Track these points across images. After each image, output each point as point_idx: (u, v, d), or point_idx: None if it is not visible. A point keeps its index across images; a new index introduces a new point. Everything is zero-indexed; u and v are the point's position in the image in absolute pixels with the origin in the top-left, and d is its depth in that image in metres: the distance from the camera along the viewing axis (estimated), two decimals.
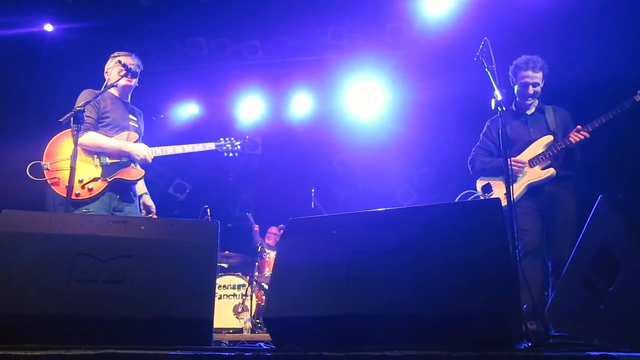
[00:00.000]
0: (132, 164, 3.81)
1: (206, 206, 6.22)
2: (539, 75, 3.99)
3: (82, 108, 3.37)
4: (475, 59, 3.51)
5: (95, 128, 3.72)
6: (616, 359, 1.39)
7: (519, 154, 3.99)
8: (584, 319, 2.01)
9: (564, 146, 3.80)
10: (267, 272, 6.38)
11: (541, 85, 4.03)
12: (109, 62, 4.00)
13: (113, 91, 3.92)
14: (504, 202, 3.43)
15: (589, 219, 2.06)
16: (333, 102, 7.44)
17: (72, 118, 3.31)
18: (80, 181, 3.56)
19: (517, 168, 3.91)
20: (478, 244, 1.77)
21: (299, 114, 7.63)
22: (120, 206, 3.75)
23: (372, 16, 6.38)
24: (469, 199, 4.30)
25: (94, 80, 3.98)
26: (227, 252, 6.74)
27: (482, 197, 4.17)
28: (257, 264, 6.52)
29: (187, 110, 7.65)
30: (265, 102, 7.60)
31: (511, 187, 3.07)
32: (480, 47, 3.49)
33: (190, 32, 6.60)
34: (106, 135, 3.73)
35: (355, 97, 7.29)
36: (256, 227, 7.36)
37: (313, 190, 6.61)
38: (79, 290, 1.92)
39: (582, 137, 3.72)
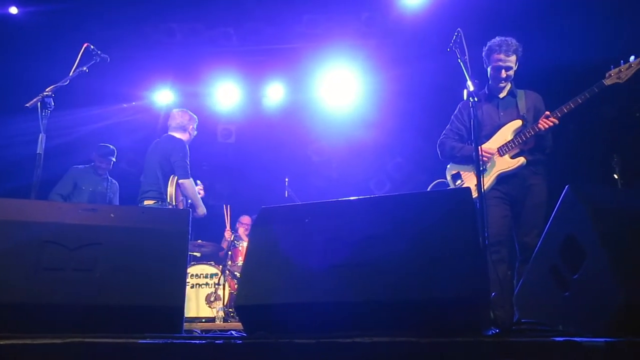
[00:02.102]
0: None
1: None
2: (512, 58, 3.90)
3: (50, 93, 3.29)
4: (448, 49, 3.54)
5: None
6: (579, 344, 1.43)
7: (488, 138, 3.94)
8: (550, 306, 2.06)
9: (533, 133, 3.75)
10: (240, 261, 6.35)
11: (514, 68, 3.94)
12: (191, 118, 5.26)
13: None
14: (474, 194, 3.46)
15: (556, 208, 2.10)
16: (308, 90, 7.41)
17: (39, 103, 3.23)
18: None
19: (486, 158, 3.86)
20: (448, 232, 1.80)
21: (273, 102, 7.59)
22: None
23: (348, 5, 6.37)
24: (439, 182, 4.30)
25: (62, 65, 3.89)
26: (199, 241, 6.68)
27: (452, 187, 4.17)
28: (230, 252, 6.49)
29: (161, 98, 7.52)
30: (239, 89, 7.53)
31: (482, 178, 3.08)
32: (454, 38, 3.52)
33: (162, 17, 6.48)
34: None
35: (330, 85, 7.28)
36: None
37: (287, 179, 6.60)
38: (47, 279, 1.88)
39: (550, 123, 3.66)
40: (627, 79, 3.57)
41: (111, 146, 5.95)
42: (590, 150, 5.60)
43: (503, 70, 3.91)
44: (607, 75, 3.62)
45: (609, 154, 5.30)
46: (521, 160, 3.79)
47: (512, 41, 3.89)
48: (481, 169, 3.66)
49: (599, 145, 5.56)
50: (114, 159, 5.94)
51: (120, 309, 1.90)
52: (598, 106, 5.48)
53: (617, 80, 3.57)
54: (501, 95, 4.04)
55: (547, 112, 3.70)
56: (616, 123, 5.63)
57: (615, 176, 5.24)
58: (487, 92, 4.08)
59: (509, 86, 4.02)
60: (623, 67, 3.58)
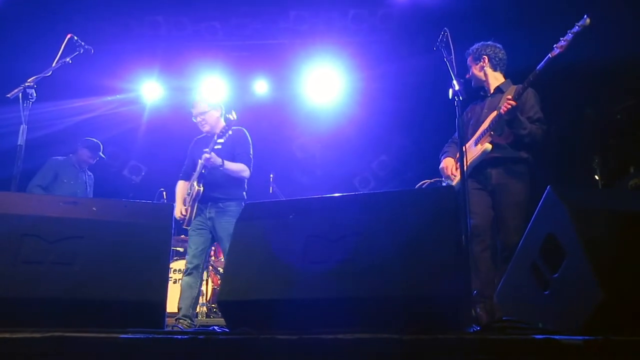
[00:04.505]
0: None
1: (162, 189, 6.11)
2: (469, 60, 4.15)
3: (32, 84, 3.25)
4: (434, 48, 3.56)
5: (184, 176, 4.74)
6: (559, 341, 1.45)
7: (473, 134, 3.97)
8: (530, 304, 2.09)
9: (497, 118, 3.75)
10: (223, 256, 6.33)
11: (472, 68, 4.13)
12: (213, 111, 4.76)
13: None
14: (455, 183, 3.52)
15: (537, 208, 2.13)
16: (293, 86, 7.40)
17: (20, 94, 3.19)
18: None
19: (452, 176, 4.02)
20: (431, 230, 1.81)
21: (258, 98, 7.56)
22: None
23: (335, 2, 6.36)
24: (427, 183, 4.31)
25: (43, 56, 3.83)
26: (182, 236, 6.63)
27: (442, 182, 4.18)
28: (213, 248, 6.46)
29: (146, 91, 7.44)
30: (224, 85, 7.48)
31: (464, 168, 3.11)
32: (440, 37, 3.54)
33: (147, 10, 6.41)
34: None
35: (316, 82, 7.27)
36: None
37: (272, 175, 6.58)
38: (25, 272, 1.85)
39: (509, 105, 3.63)
40: (567, 47, 3.54)
41: (98, 141, 5.91)
42: (572, 152, 5.67)
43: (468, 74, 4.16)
44: (553, 48, 3.61)
45: (590, 155, 5.38)
46: (485, 145, 3.78)
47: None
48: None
49: (580, 147, 5.64)
50: (102, 155, 5.91)
51: (101, 304, 1.88)
52: (579, 108, 5.55)
53: (560, 50, 3.56)
54: (490, 94, 4.09)
55: (509, 96, 3.71)
56: (597, 125, 5.70)
57: (596, 177, 5.32)
58: (481, 93, 4.17)
59: (496, 83, 4.05)
60: (564, 38, 3.58)
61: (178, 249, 6.68)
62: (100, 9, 6.18)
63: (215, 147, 4.55)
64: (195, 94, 4.88)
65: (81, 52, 3.80)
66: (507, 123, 3.73)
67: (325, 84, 7.25)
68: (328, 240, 1.90)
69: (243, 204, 4.61)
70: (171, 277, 6.01)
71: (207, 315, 5.71)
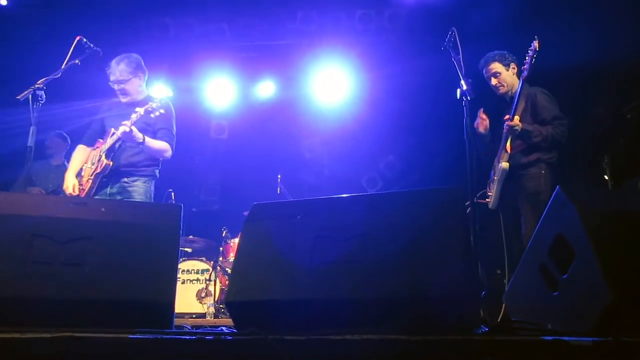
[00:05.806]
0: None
1: (170, 190, 6.12)
2: (494, 65, 4.02)
3: (42, 85, 3.28)
4: (442, 48, 3.57)
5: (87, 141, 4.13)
6: (568, 343, 1.44)
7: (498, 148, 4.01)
8: (539, 305, 2.07)
9: (505, 134, 3.78)
10: (232, 257, 6.33)
11: (504, 73, 4.02)
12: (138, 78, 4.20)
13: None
14: (491, 205, 3.60)
15: (546, 208, 2.12)
16: (301, 87, 7.40)
17: (30, 96, 3.22)
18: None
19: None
20: (439, 231, 1.80)
21: (266, 99, 7.57)
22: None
23: (342, 2, 6.36)
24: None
25: (52, 58, 3.86)
26: (190, 236, 6.66)
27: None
28: (221, 248, 6.47)
29: (154, 93, 7.45)
30: (232, 86, 7.50)
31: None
32: (448, 37, 3.54)
33: (155, 12, 6.44)
34: None
35: (323, 83, 7.27)
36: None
37: (279, 176, 6.58)
38: (35, 273, 1.87)
39: (507, 127, 3.71)
40: (530, 69, 3.69)
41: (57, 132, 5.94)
42: (581, 152, 5.63)
43: (492, 78, 4.05)
44: (522, 70, 3.75)
45: (600, 155, 5.34)
46: (503, 166, 3.82)
47: (490, 53, 4.10)
48: (491, 182, 3.75)
49: (590, 147, 5.59)
50: (49, 138, 5.85)
51: (110, 304, 1.89)
52: (589, 107, 5.51)
53: (527, 73, 3.71)
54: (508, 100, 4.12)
55: (506, 117, 3.75)
56: (607, 125, 5.66)
57: (606, 177, 5.28)
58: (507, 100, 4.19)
59: (512, 90, 4.04)
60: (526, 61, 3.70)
61: (186, 249, 6.70)
62: (109, 11, 6.22)
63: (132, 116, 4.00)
64: (116, 60, 4.17)
65: (90, 53, 3.83)
66: (517, 136, 3.76)
67: (333, 85, 7.24)
68: (335, 241, 1.90)
69: (153, 181, 4.20)
70: (179, 278, 6.03)
71: (215, 316, 5.72)
